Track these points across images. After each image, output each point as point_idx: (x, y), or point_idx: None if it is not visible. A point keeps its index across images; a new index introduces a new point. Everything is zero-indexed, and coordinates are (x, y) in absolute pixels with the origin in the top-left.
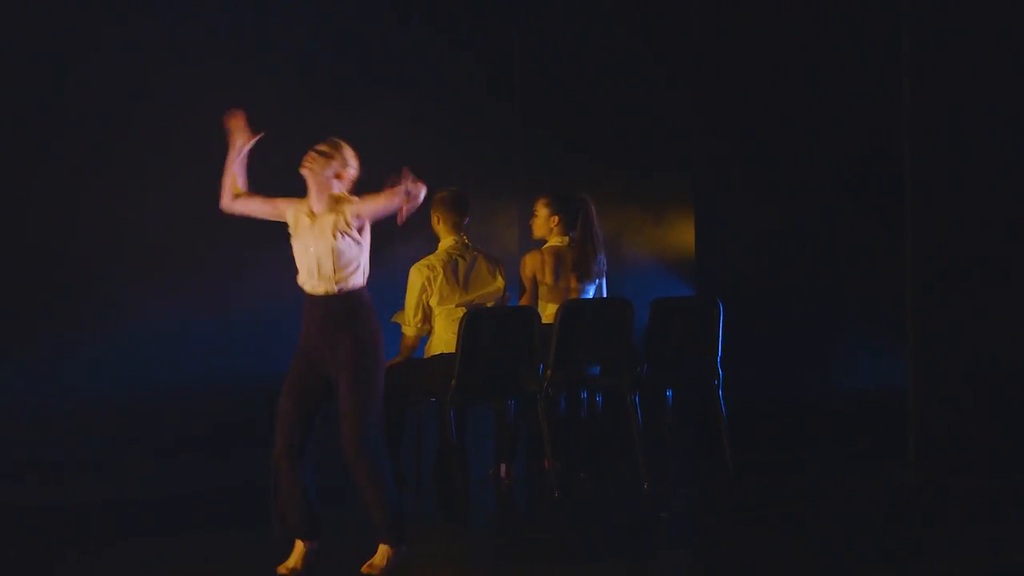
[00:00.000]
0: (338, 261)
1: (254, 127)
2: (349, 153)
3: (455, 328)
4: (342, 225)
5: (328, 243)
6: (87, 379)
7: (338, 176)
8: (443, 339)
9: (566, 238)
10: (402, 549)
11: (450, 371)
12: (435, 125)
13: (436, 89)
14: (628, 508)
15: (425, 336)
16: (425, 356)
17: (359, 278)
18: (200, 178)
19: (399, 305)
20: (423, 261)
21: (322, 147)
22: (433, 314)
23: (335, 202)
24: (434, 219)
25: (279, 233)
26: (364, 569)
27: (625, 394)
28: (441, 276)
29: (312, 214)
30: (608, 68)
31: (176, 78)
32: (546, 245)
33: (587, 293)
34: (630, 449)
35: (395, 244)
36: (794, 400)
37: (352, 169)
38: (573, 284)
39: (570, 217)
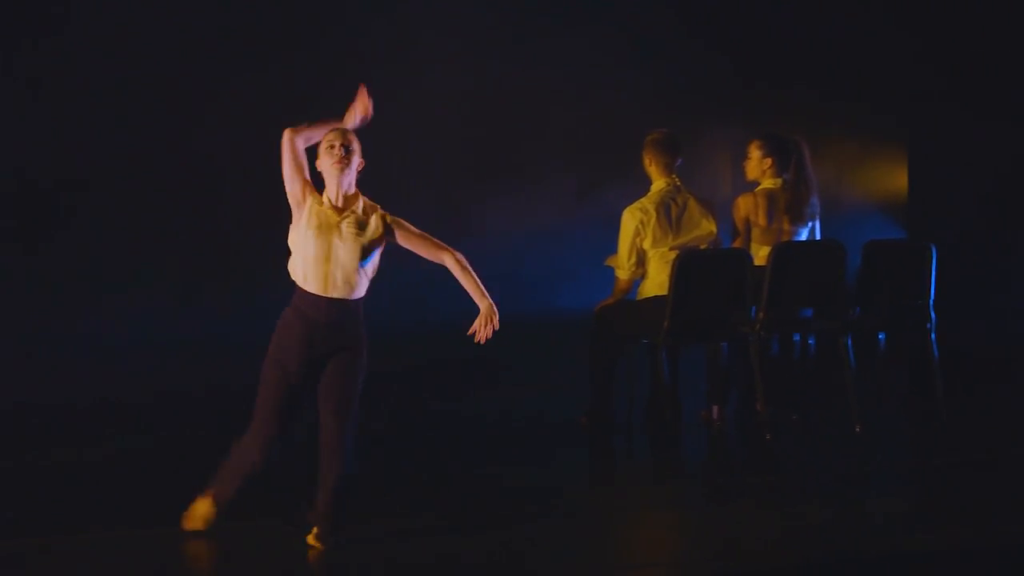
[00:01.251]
0: (362, 268)
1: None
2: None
3: (668, 270)
4: (369, 234)
5: (351, 248)
6: None
7: (359, 169)
8: (656, 281)
9: (779, 180)
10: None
11: (662, 313)
12: (646, 67)
13: (648, 30)
14: (839, 452)
15: (638, 279)
16: (638, 299)
17: (366, 286)
18: None
19: (612, 249)
20: (636, 204)
21: (348, 137)
22: (647, 257)
23: (368, 207)
24: (646, 161)
25: None
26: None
27: (837, 337)
28: (654, 219)
29: (334, 210)
30: (823, 5)
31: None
32: (759, 187)
33: (800, 235)
34: (842, 392)
35: (607, 187)
36: (1006, 344)
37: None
38: (786, 226)
39: (783, 159)
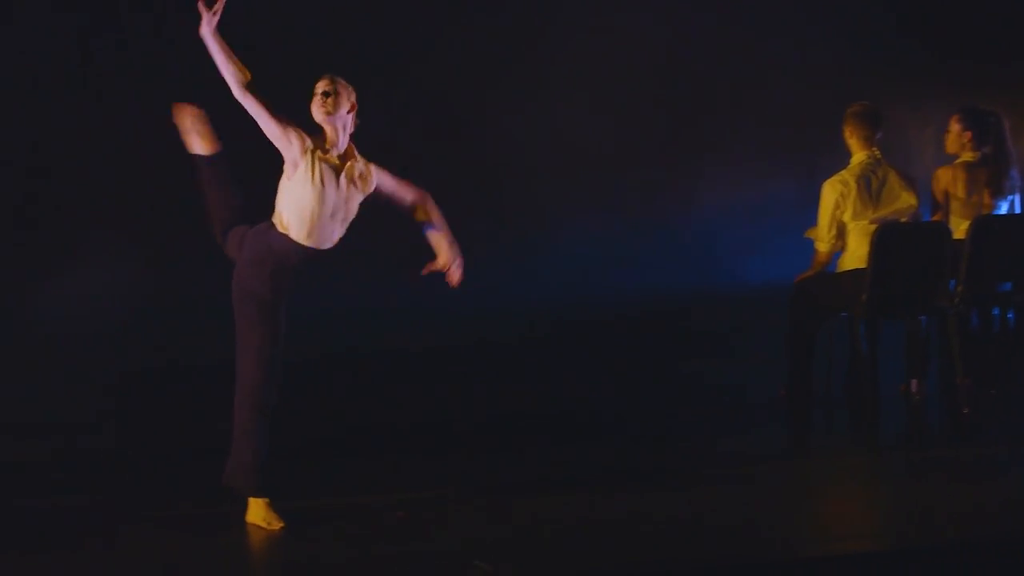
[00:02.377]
0: (350, 218)
1: None
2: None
3: (867, 243)
4: (367, 184)
5: (355, 198)
6: None
7: (352, 109)
8: (856, 254)
9: (978, 153)
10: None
11: (862, 286)
12: (848, 39)
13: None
14: None
15: (837, 252)
16: (837, 271)
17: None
18: None
19: (813, 221)
20: (836, 177)
21: (338, 83)
22: (846, 229)
23: (357, 155)
24: (846, 133)
25: None
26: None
27: None
28: (854, 191)
29: (337, 161)
30: None
31: None
32: (958, 160)
33: (1000, 209)
34: None
35: (810, 158)
36: None
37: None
38: (986, 200)
39: (983, 133)
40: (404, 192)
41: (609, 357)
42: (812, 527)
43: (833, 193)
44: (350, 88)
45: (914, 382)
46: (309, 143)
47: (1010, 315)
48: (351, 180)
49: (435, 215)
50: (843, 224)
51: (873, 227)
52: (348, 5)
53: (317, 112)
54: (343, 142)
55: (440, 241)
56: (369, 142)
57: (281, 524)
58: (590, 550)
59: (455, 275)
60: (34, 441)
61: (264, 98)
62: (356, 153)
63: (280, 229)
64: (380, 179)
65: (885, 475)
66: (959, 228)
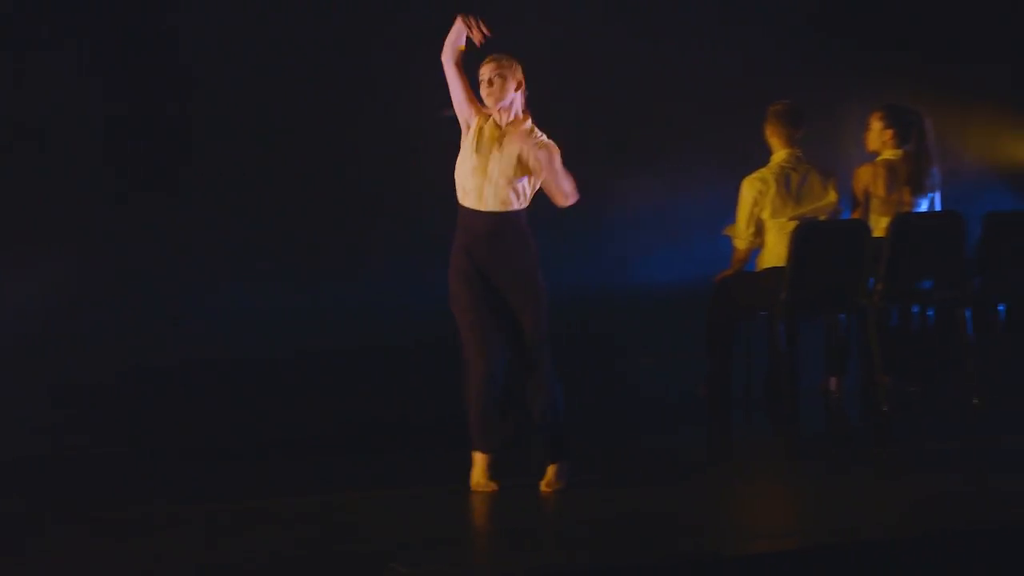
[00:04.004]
0: (515, 182)
1: None
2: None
3: (787, 241)
4: (531, 154)
5: (511, 162)
6: None
7: (518, 87)
8: (775, 252)
9: (900, 151)
10: (565, 466)
11: (781, 284)
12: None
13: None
14: (958, 424)
15: (756, 249)
16: (756, 269)
17: (524, 202)
18: None
19: (731, 218)
20: (755, 174)
21: (503, 66)
22: (765, 227)
23: (526, 128)
24: (767, 131)
25: None
26: (543, 487)
27: (956, 308)
28: (773, 189)
29: (499, 128)
30: None
31: None
32: (879, 158)
33: (920, 207)
34: (961, 364)
35: (730, 156)
36: None
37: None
38: (906, 198)
39: (904, 131)
40: (557, 191)
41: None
42: (731, 525)
43: (752, 191)
44: (515, 65)
45: (833, 380)
46: (477, 109)
47: (929, 312)
48: (511, 145)
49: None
50: (762, 222)
51: (792, 225)
52: None
53: (487, 99)
54: (508, 115)
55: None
56: None
57: (493, 486)
58: (509, 552)
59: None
60: None
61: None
62: (529, 124)
63: (459, 200)
64: (548, 163)
65: (805, 473)
66: (879, 226)
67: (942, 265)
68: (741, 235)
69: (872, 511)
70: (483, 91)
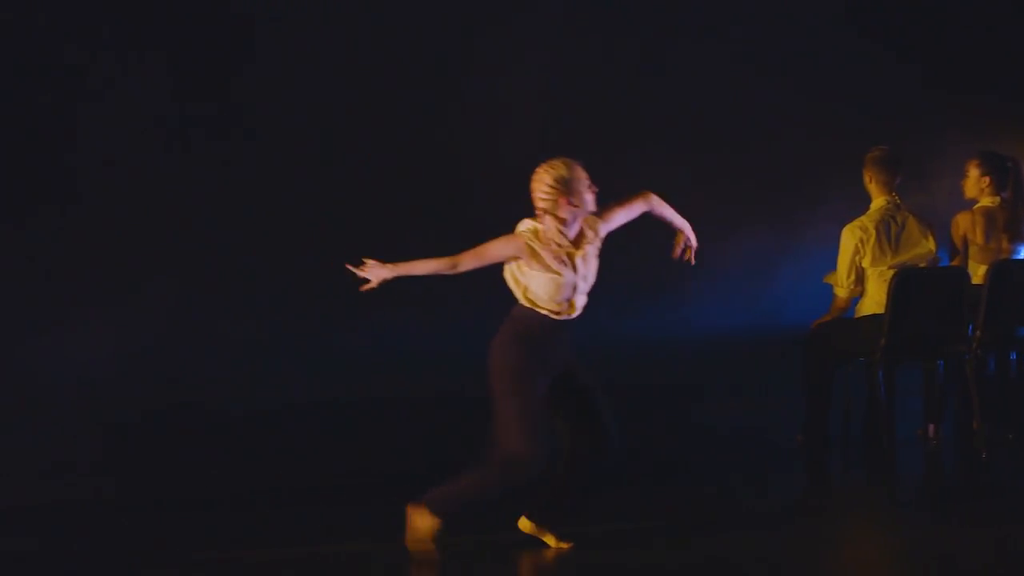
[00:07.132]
0: (592, 280)
1: None
2: (572, 171)
3: (886, 288)
4: (596, 245)
5: (593, 268)
6: None
7: (574, 203)
8: (875, 299)
9: (997, 198)
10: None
11: (880, 331)
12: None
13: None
14: None
15: (856, 297)
16: (856, 316)
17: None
18: None
19: (832, 266)
20: (855, 222)
21: (550, 180)
22: (865, 275)
23: (585, 224)
24: (866, 178)
25: None
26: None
27: None
28: (874, 237)
29: (573, 245)
30: None
31: None
32: (977, 205)
33: (1018, 254)
34: None
35: (828, 204)
36: None
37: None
38: (1004, 245)
39: (1001, 177)
40: (634, 211)
41: (622, 401)
42: (832, 574)
43: (853, 239)
44: (578, 176)
45: (931, 426)
46: (518, 239)
47: None
48: (591, 250)
49: (662, 207)
50: (862, 269)
51: (892, 272)
52: None
53: (590, 200)
54: (573, 226)
55: (673, 218)
56: None
57: (432, 551)
58: None
59: (691, 244)
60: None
61: (471, 251)
62: (592, 226)
63: (526, 303)
64: (609, 222)
65: (902, 521)
66: (977, 273)
67: None
68: (842, 283)
69: (967, 560)
70: (589, 195)
